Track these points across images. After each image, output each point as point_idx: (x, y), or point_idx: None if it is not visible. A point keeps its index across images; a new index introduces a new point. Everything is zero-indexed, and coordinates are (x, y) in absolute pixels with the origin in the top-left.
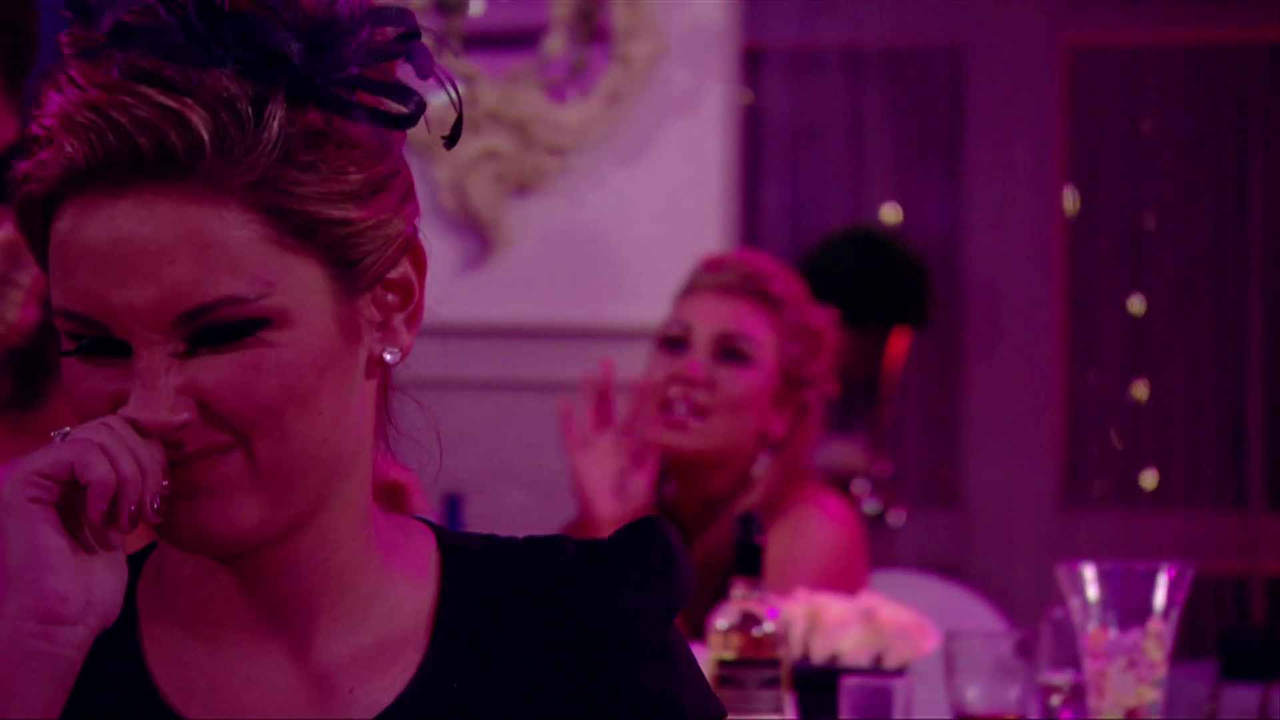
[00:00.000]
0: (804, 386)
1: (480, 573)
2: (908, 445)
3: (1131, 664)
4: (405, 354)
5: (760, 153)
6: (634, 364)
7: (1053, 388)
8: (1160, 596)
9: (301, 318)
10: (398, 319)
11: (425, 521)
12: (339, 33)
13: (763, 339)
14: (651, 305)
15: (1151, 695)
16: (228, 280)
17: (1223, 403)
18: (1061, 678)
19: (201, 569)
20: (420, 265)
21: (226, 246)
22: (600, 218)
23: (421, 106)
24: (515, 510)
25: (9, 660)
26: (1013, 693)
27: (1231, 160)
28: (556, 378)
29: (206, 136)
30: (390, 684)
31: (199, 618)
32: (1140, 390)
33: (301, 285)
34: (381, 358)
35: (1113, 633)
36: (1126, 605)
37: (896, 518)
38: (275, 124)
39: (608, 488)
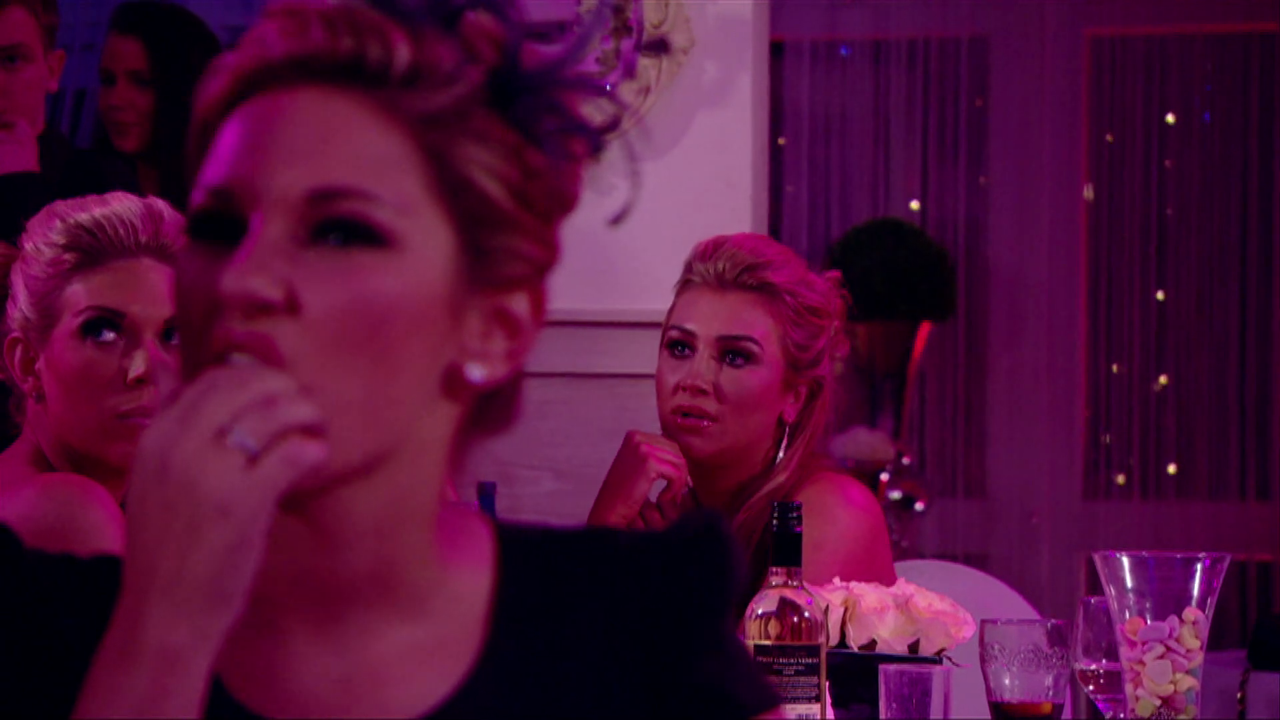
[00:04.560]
0: (812, 367)
1: (538, 564)
2: (931, 436)
3: (1168, 652)
4: (491, 385)
5: (785, 145)
6: None
7: (1076, 378)
8: (1197, 585)
9: (418, 262)
10: (497, 345)
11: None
12: (560, 57)
13: (764, 334)
14: None
15: (1188, 682)
16: (370, 180)
17: (1246, 392)
18: (1096, 665)
19: (264, 561)
20: (537, 316)
21: (380, 157)
22: (630, 210)
23: (597, 150)
24: (546, 498)
25: (194, 658)
26: (1048, 680)
27: (1256, 150)
28: (586, 368)
29: (406, 57)
30: (444, 675)
31: (261, 603)
32: (1163, 380)
33: (430, 234)
34: (465, 370)
35: (1149, 621)
36: (1163, 594)
37: (919, 507)
38: (466, 86)
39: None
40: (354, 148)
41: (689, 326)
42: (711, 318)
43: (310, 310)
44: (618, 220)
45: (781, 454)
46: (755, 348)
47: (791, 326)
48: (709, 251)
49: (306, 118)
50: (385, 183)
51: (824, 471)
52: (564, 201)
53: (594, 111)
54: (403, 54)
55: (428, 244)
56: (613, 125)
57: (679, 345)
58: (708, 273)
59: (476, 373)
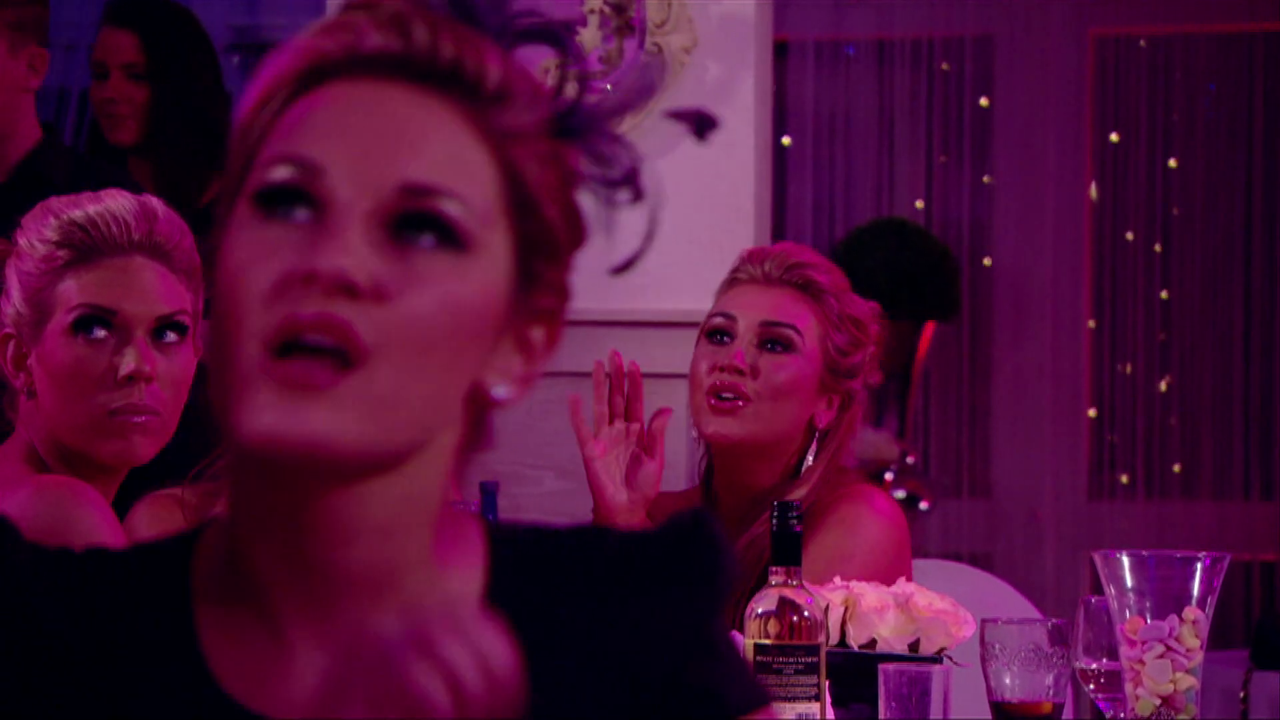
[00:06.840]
0: (849, 376)
1: (529, 564)
2: (935, 435)
3: (1168, 651)
4: (505, 406)
5: (789, 145)
6: (665, 354)
7: (1080, 377)
8: (1197, 584)
9: (488, 272)
10: (516, 369)
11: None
12: (607, 108)
13: (806, 327)
14: (684, 296)
15: (1188, 682)
16: (461, 185)
17: (1251, 392)
18: (1097, 665)
19: (264, 551)
20: (549, 348)
21: (469, 164)
22: (632, 209)
23: (610, 201)
24: (548, 497)
25: None
26: (1048, 679)
27: (1260, 149)
28: (588, 367)
29: (497, 73)
30: None
31: (259, 601)
32: (1168, 379)
33: (499, 249)
34: (490, 387)
35: (1149, 620)
36: (1163, 593)
37: (923, 506)
38: (542, 112)
39: (618, 477)
40: (447, 150)
41: (731, 312)
42: (755, 306)
43: (395, 304)
44: (622, 269)
45: (810, 460)
46: (796, 336)
47: (833, 329)
48: (757, 254)
49: (404, 113)
50: (473, 189)
51: (853, 483)
52: (583, 241)
53: (612, 163)
54: (495, 70)
55: (496, 257)
56: (630, 177)
57: (719, 333)
58: (755, 271)
59: (501, 391)
